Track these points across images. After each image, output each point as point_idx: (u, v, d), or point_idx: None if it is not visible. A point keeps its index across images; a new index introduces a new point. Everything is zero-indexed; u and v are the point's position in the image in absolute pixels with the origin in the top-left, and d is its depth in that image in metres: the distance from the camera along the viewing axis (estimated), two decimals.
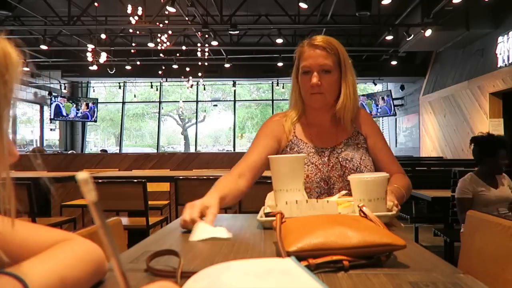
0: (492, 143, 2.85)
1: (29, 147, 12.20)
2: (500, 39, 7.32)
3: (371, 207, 1.05)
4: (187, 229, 1.06)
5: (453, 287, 0.63)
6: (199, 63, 10.58)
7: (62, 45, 10.37)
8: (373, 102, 12.48)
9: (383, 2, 6.70)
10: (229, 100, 18.49)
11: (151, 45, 8.52)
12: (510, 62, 7.04)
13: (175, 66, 10.56)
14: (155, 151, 14.88)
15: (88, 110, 12.81)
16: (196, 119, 15.89)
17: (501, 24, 7.40)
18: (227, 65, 10.40)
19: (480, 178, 2.88)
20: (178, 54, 10.25)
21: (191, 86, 11.99)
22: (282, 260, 0.54)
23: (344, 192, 1.32)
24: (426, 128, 10.75)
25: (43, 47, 8.49)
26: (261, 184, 1.48)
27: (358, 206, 0.95)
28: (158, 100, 15.43)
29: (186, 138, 22.94)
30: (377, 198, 1.09)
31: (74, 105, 12.67)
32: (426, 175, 4.47)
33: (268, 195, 1.32)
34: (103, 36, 8.56)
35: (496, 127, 7.58)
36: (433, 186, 3.72)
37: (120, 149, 15.67)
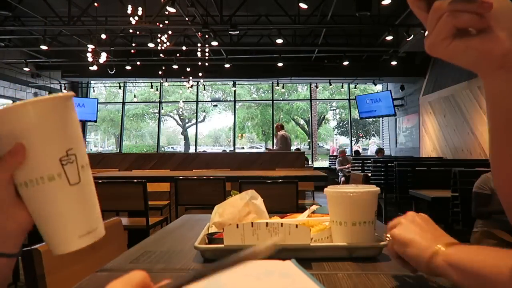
0: None
1: None
2: None
3: (355, 234, 0.81)
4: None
5: (453, 287, 0.63)
6: (199, 63, 10.57)
7: (62, 45, 10.37)
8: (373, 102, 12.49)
9: (383, 2, 6.70)
10: (229, 100, 18.51)
11: (151, 45, 8.51)
12: None
13: (175, 66, 10.55)
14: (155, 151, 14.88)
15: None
16: (196, 119, 15.89)
17: None
18: (227, 65, 10.40)
19: None
20: (178, 54, 10.24)
21: (191, 86, 11.99)
22: (283, 262, 0.54)
23: (314, 207, 1.02)
24: (426, 128, 10.75)
25: (43, 47, 8.49)
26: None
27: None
28: (158, 101, 15.42)
29: (186, 138, 22.96)
30: (363, 221, 0.81)
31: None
32: (426, 175, 4.47)
33: (215, 208, 1.03)
34: (103, 36, 8.56)
35: None
36: (433, 186, 3.72)
37: (120, 149, 15.68)
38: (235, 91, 14.22)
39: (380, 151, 10.60)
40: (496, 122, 0.50)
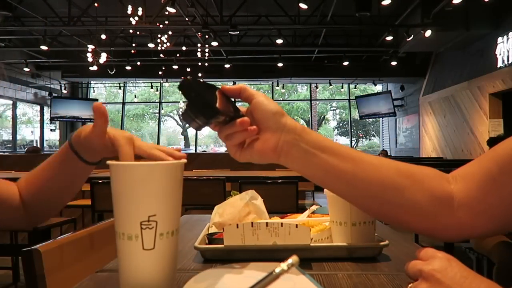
0: None
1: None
2: (499, 39, 7.32)
3: (356, 234, 0.80)
4: None
5: None
6: (199, 64, 10.58)
7: (62, 45, 10.36)
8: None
9: (383, 3, 6.70)
10: None
11: (151, 45, 8.51)
12: (509, 62, 7.04)
13: (175, 67, 10.55)
14: None
15: None
16: None
17: (500, 24, 7.40)
18: (227, 66, 10.40)
19: None
20: (178, 55, 10.25)
21: None
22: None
23: (314, 207, 1.01)
24: (426, 128, 10.75)
25: (43, 47, 8.49)
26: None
27: None
28: (158, 101, 15.43)
29: (186, 138, 22.97)
30: (363, 221, 0.80)
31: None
32: None
33: (215, 208, 1.00)
34: (103, 36, 8.56)
35: (496, 128, 7.58)
36: None
37: None
38: None
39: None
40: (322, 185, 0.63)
